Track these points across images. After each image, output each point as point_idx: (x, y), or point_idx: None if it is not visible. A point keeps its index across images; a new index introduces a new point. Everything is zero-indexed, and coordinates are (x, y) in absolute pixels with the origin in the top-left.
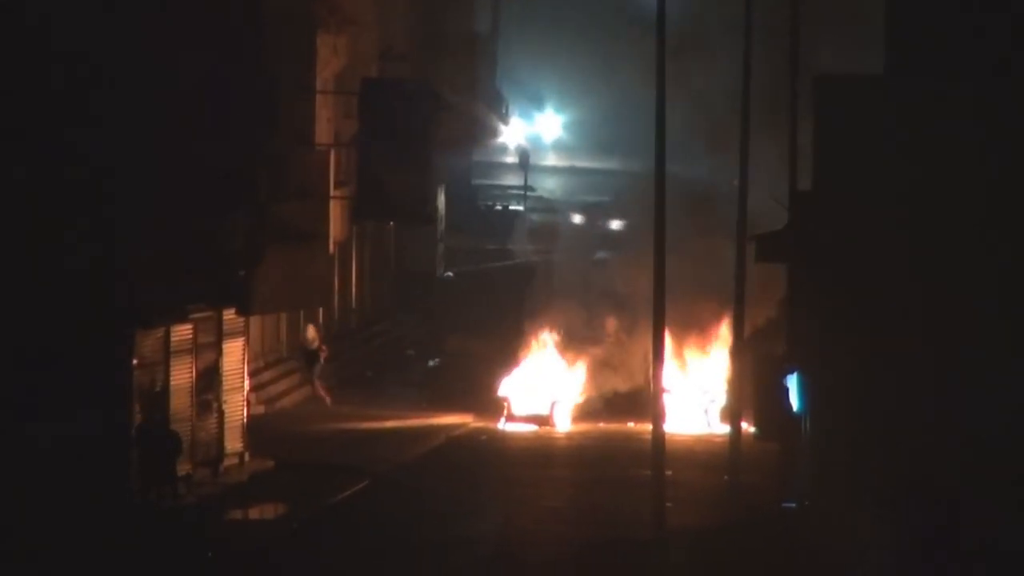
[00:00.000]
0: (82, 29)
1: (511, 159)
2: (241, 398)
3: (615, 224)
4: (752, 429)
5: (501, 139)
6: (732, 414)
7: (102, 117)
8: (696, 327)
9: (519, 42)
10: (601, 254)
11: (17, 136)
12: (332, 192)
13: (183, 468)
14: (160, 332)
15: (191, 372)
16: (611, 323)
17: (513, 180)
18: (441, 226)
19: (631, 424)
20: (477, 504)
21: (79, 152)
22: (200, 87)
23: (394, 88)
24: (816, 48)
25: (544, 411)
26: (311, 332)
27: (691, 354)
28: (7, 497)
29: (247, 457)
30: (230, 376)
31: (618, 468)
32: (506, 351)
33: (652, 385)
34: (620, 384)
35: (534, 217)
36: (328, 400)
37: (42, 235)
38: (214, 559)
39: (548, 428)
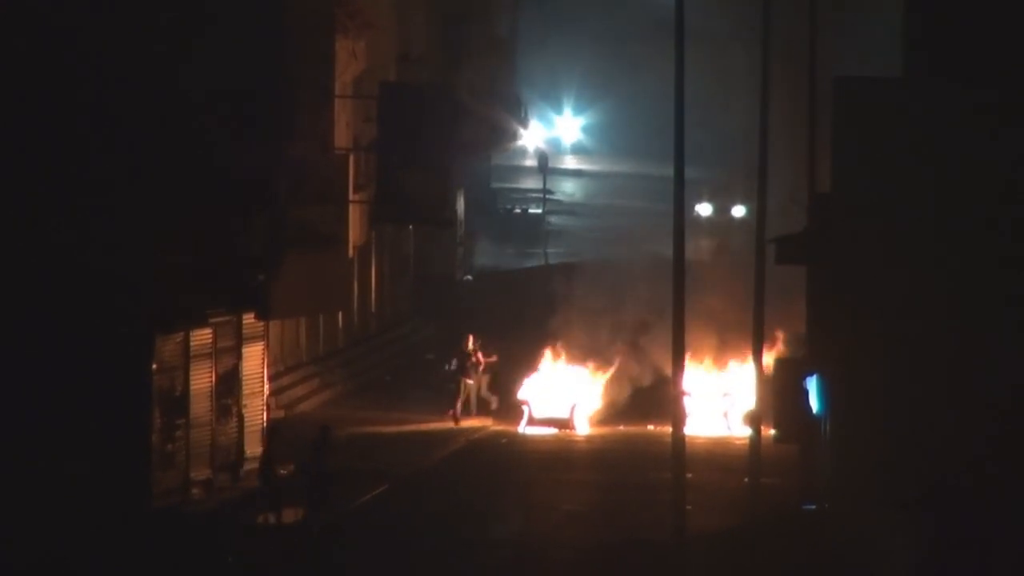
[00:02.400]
0: (107, 36)
1: (530, 163)
2: (261, 402)
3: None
4: (772, 431)
5: (520, 143)
6: (754, 417)
7: (123, 121)
8: (720, 332)
9: (538, 45)
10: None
11: (38, 142)
12: (351, 196)
13: (203, 472)
14: (180, 336)
15: (211, 376)
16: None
17: (532, 184)
18: (460, 230)
19: (651, 427)
20: (498, 507)
21: (98, 156)
22: (220, 91)
23: (413, 92)
24: (832, 51)
25: (564, 414)
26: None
27: (713, 358)
28: (26, 501)
29: None
30: (250, 380)
31: (638, 471)
32: (526, 355)
33: (672, 388)
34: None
35: (553, 220)
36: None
37: (61, 240)
38: (234, 563)
39: (568, 431)
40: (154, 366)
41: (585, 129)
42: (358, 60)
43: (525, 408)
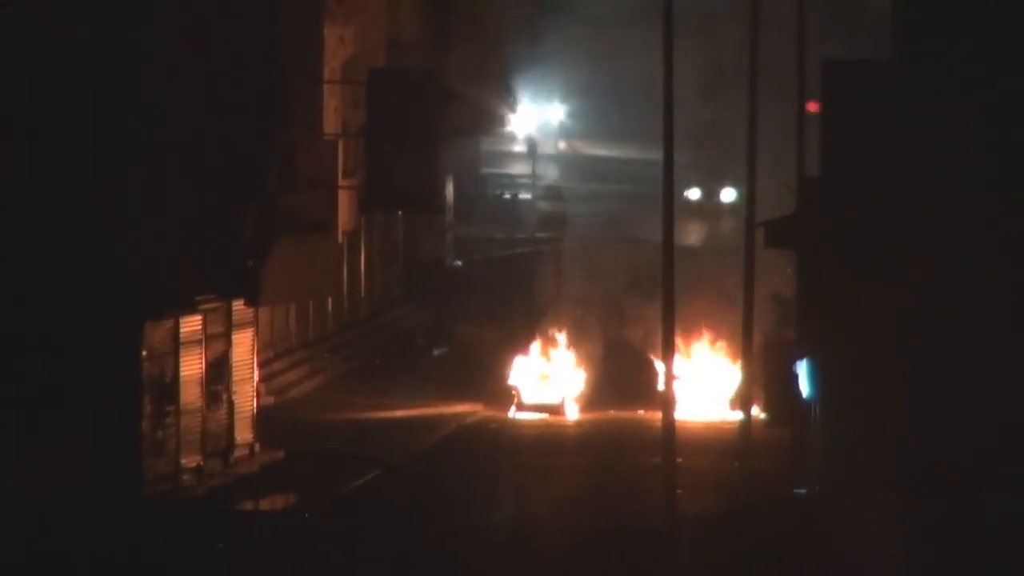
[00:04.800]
0: (94, 20)
1: (519, 148)
2: (251, 389)
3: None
4: (762, 415)
5: (509, 128)
6: (743, 401)
7: (112, 107)
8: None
9: (527, 30)
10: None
11: (29, 127)
12: (340, 182)
13: (193, 459)
14: (169, 323)
15: (201, 363)
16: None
17: (521, 169)
18: (450, 215)
19: (641, 412)
20: (488, 493)
21: (87, 142)
22: (209, 77)
23: (402, 78)
24: (823, 35)
25: (554, 400)
26: None
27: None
28: (15, 487)
29: (257, 448)
30: (240, 367)
31: (628, 456)
32: (516, 340)
33: (663, 372)
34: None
35: (542, 205)
36: None
37: (50, 225)
38: (225, 549)
39: (558, 417)
40: (144, 353)
41: (573, 114)
42: (347, 46)
43: (515, 393)
